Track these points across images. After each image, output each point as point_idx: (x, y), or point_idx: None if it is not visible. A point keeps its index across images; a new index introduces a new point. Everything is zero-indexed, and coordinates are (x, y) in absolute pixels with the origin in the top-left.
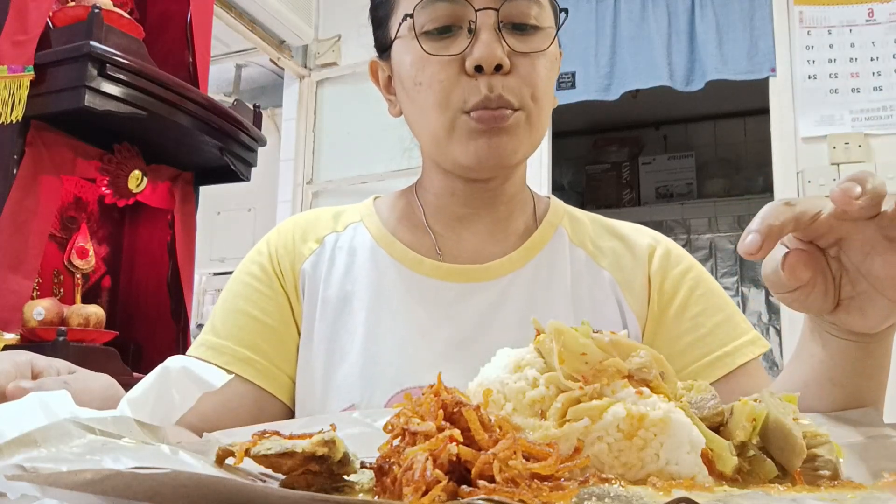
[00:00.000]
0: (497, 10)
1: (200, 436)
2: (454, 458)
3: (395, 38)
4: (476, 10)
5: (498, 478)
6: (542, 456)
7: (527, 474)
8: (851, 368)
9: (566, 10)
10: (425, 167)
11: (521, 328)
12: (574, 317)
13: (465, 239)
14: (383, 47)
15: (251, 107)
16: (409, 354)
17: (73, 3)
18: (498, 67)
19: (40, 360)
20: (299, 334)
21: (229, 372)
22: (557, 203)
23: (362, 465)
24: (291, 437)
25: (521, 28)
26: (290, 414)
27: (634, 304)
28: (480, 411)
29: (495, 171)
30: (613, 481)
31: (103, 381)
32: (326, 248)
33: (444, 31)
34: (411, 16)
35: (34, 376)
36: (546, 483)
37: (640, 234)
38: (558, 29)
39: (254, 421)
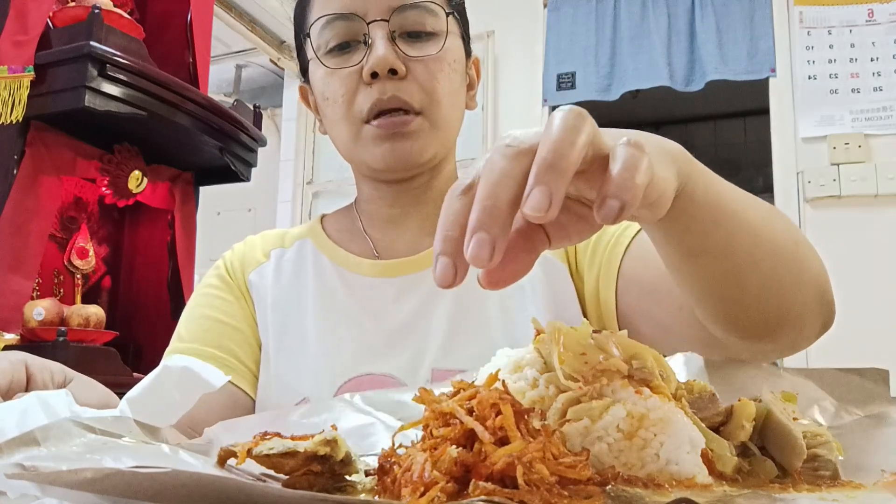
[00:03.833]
0: (388, 20)
1: (182, 431)
2: (455, 459)
3: (309, 60)
4: (367, 24)
5: (520, 480)
6: (571, 463)
7: (553, 479)
8: (674, 251)
9: (455, 14)
10: (355, 178)
11: (457, 308)
12: (501, 292)
13: (399, 238)
14: (304, 71)
15: (251, 107)
16: (353, 348)
17: (73, 4)
18: (393, 72)
19: (34, 362)
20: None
21: None
22: None
23: (366, 474)
24: (293, 437)
25: (416, 35)
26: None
27: (555, 252)
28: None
29: (409, 172)
30: (637, 481)
31: (100, 394)
32: (272, 260)
33: (344, 47)
34: (308, 35)
35: (28, 377)
36: (572, 487)
37: None
38: (467, 33)
39: (229, 414)
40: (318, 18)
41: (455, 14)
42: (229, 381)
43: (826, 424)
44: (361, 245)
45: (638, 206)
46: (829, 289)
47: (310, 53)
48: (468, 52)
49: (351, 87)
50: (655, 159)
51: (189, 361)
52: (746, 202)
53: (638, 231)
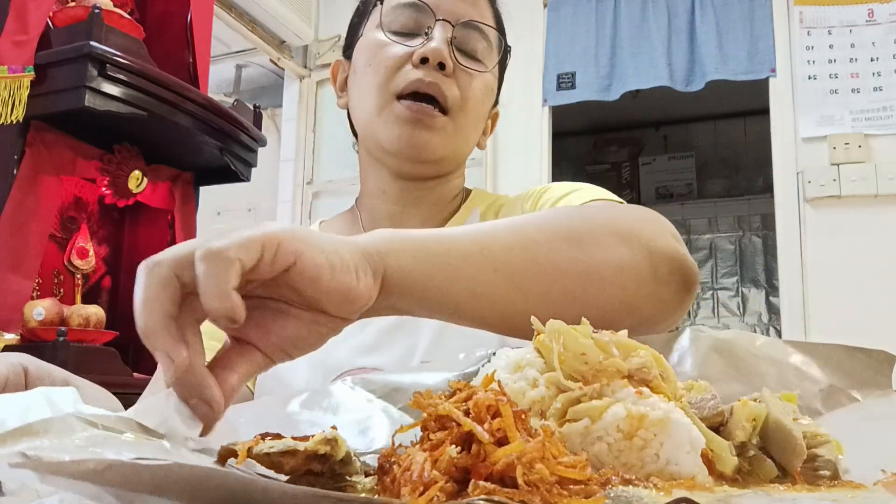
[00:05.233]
0: (453, 26)
1: None
2: (453, 460)
3: (362, 34)
4: (436, 20)
5: (520, 480)
6: (571, 463)
7: (553, 479)
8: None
9: (509, 48)
10: (361, 166)
11: None
12: None
13: None
14: (350, 45)
15: (251, 107)
16: (347, 344)
17: (73, 4)
18: (441, 66)
19: (34, 367)
20: None
21: None
22: (479, 191)
23: (366, 474)
24: (294, 437)
25: (470, 51)
26: None
27: None
28: (523, 415)
29: (415, 165)
30: (637, 482)
31: (107, 404)
32: None
33: (406, 31)
34: (381, 2)
35: (26, 383)
36: (572, 487)
37: (528, 190)
38: (502, 72)
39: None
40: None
41: (503, 61)
42: None
43: (825, 412)
44: None
45: (231, 311)
46: (663, 254)
47: (368, 27)
48: (495, 102)
49: (398, 63)
50: (335, 262)
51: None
52: (479, 241)
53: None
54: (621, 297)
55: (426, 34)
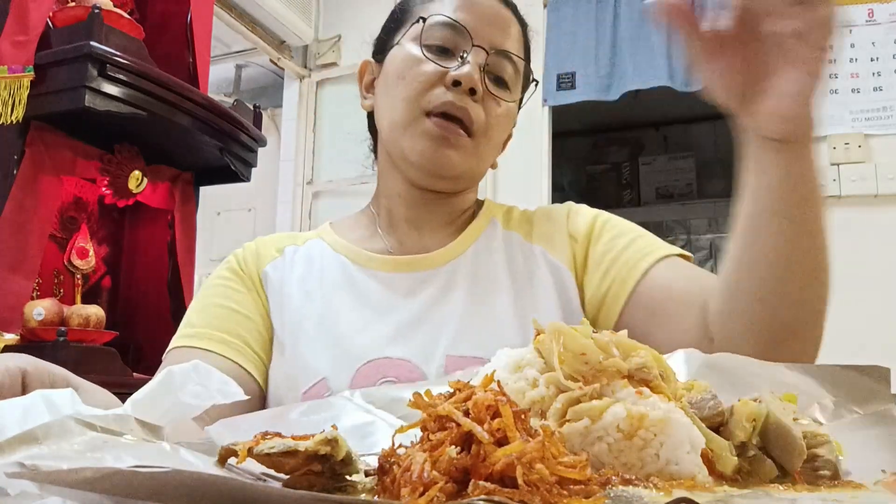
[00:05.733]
0: (487, 53)
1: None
2: (453, 460)
3: (397, 42)
4: (472, 45)
5: (520, 480)
6: (571, 463)
7: (553, 479)
8: (781, 192)
9: (536, 82)
10: (380, 168)
11: (471, 302)
12: (513, 288)
13: (411, 238)
14: (382, 50)
15: (251, 107)
16: (369, 333)
17: (73, 4)
18: (472, 92)
19: (34, 371)
20: (271, 326)
21: (209, 352)
22: (491, 202)
23: (366, 474)
24: (294, 437)
25: (500, 78)
26: (264, 395)
27: (563, 259)
28: (523, 415)
29: (435, 179)
30: (637, 482)
31: (107, 404)
32: (286, 256)
33: (443, 49)
34: (424, 19)
35: (24, 387)
36: (573, 487)
37: (558, 206)
38: (521, 102)
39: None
40: (437, 16)
41: (530, 76)
42: (238, 365)
43: (826, 423)
44: (375, 243)
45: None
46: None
47: (405, 38)
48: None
49: (432, 80)
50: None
51: (204, 369)
52: (819, 209)
53: (658, 259)
54: (811, 313)
55: (461, 57)
